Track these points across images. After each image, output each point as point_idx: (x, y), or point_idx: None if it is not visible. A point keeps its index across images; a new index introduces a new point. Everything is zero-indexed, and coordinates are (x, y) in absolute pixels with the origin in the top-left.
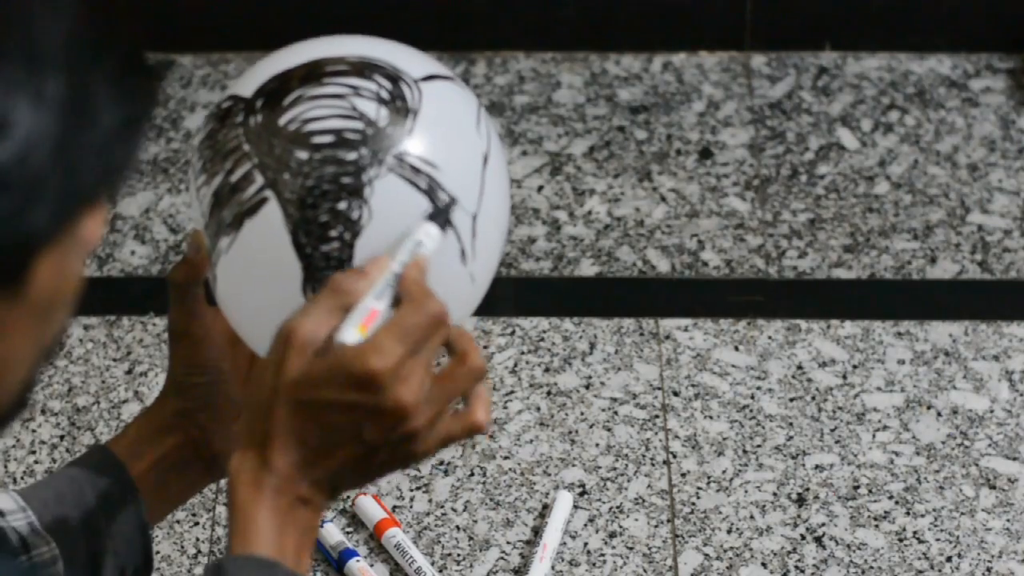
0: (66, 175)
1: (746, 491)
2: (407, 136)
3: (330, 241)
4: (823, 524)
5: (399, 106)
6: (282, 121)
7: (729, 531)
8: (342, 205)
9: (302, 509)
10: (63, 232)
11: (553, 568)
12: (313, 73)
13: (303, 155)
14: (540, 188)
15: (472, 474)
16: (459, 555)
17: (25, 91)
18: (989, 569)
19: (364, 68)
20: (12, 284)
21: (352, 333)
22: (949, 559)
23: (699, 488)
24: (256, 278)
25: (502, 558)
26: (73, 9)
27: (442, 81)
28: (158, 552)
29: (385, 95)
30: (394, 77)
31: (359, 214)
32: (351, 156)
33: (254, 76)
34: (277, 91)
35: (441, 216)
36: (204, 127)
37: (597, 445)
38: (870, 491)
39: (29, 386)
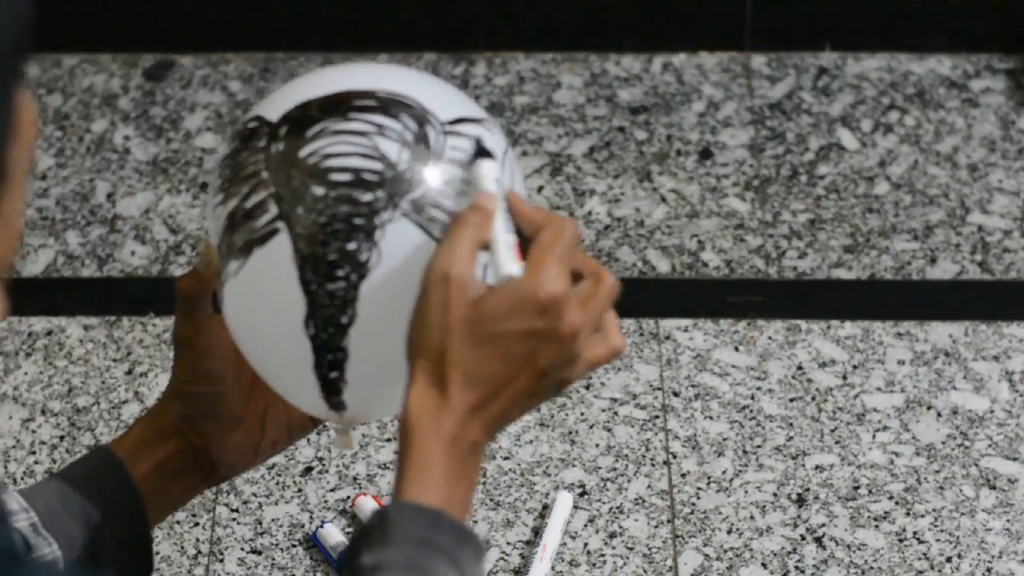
0: None
1: (746, 491)
2: (426, 182)
3: (336, 280)
4: (823, 524)
5: (422, 150)
6: (303, 153)
7: (729, 531)
8: (352, 246)
9: (472, 457)
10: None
11: (553, 568)
12: (340, 106)
13: (319, 191)
14: (540, 188)
15: None
16: None
17: None
18: (989, 569)
19: (392, 106)
20: None
21: (515, 266)
22: (949, 559)
23: (699, 488)
24: (260, 307)
25: (502, 558)
26: None
27: (471, 124)
28: (158, 552)
29: (409, 137)
30: (421, 119)
31: (368, 256)
32: (366, 197)
33: (282, 99)
34: (302, 120)
35: (487, 152)
36: (228, 144)
37: (597, 445)
38: (870, 491)
39: (7, 278)
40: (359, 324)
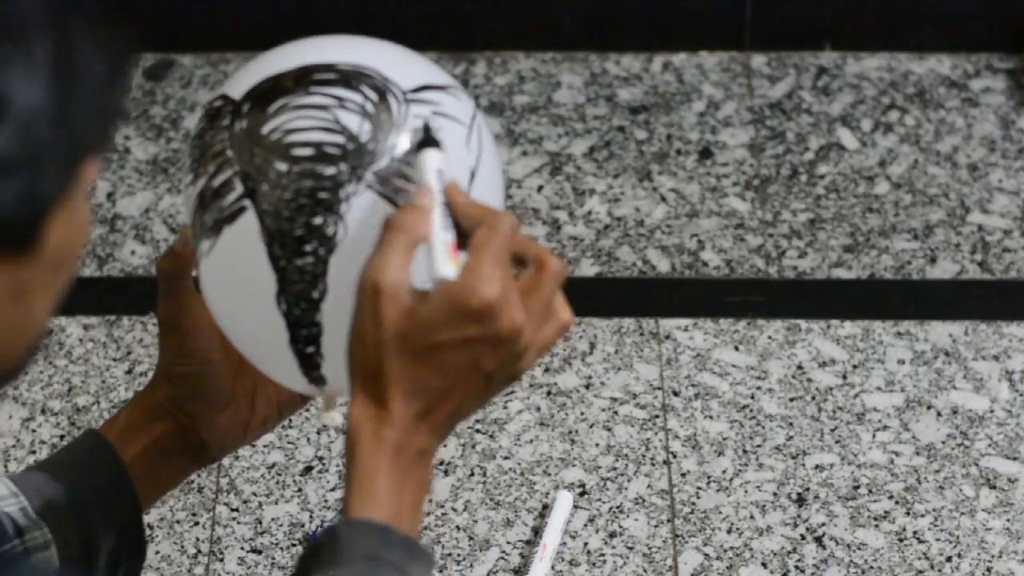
0: (67, 137)
1: (746, 491)
2: (389, 153)
3: (304, 256)
4: (823, 524)
5: (383, 121)
6: (265, 130)
7: (729, 531)
8: (318, 220)
9: (419, 464)
10: (70, 189)
11: (553, 568)
12: (301, 80)
13: (282, 167)
14: (540, 188)
15: (472, 474)
16: (459, 555)
17: (16, 65)
18: (989, 569)
19: (352, 78)
20: (30, 249)
21: (448, 267)
22: (949, 559)
23: (699, 488)
24: (233, 285)
25: (502, 558)
26: None
27: (435, 92)
28: (158, 552)
29: (371, 108)
30: (382, 90)
31: (335, 230)
32: (329, 171)
33: (246, 76)
34: (264, 96)
35: (433, 141)
36: (197, 124)
37: (597, 445)
38: (870, 491)
39: (44, 334)
40: (331, 298)
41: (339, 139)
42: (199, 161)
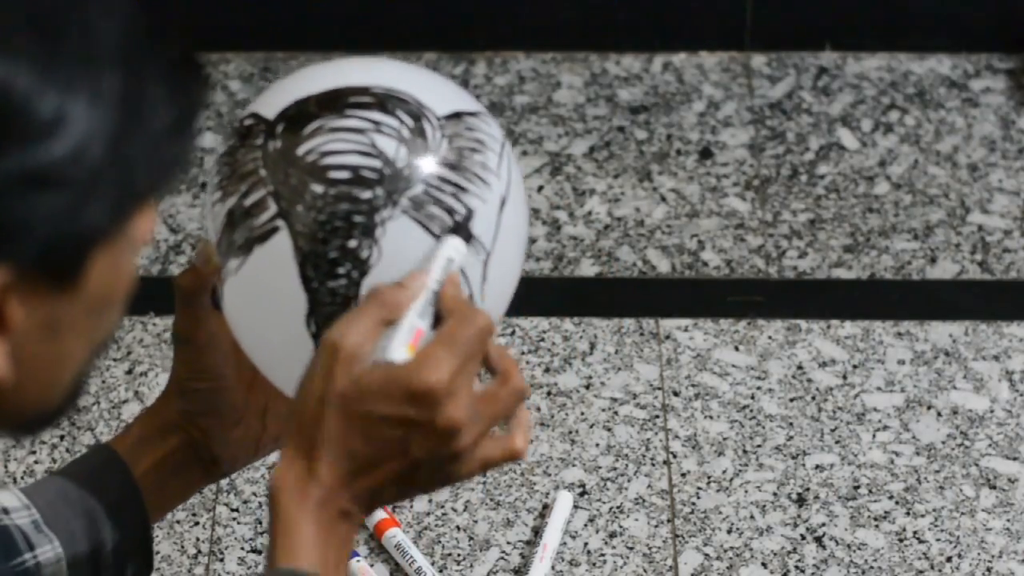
0: (120, 172)
1: (746, 491)
2: (423, 179)
3: (337, 278)
4: (823, 524)
5: (419, 146)
6: (300, 151)
7: (729, 531)
8: (352, 243)
9: (343, 523)
10: (117, 229)
11: (553, 568)
12: (336, 103)
13: (318, 189)
14: (540, 188)
15: None
16: (459, 555)
17: (82, 88)
18: (989, 569)
19: (388, 102)
20: (68, 282)
21: (401, 352)
22: (949, 559)
23: (699, 488)
24: (261, 305)
25: (502, 558)
26: (127, 8)
27: (468, 118)
28: (158, 552)
29: (406, 134)
30: (417, 115)
31: (368, 253)
32: (366, 195)
33: (278, 96)
34: (298, 117)
35: (464, 230)
36: (224, 141)
37: (597, 445)
38: (870, 491)
39: (81, 381)
40: None
41: (376, 163)
42: (228, 179)
